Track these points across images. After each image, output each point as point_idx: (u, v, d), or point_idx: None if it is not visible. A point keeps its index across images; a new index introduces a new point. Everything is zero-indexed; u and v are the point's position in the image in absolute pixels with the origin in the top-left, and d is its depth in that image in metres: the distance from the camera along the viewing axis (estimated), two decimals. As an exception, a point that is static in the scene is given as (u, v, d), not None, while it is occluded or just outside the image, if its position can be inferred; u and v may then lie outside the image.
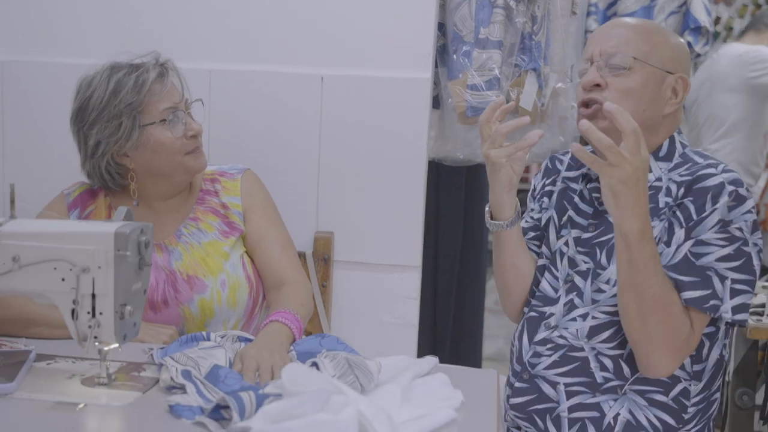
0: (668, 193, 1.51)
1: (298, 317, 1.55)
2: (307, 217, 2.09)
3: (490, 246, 3.02)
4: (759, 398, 2.20)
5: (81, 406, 1.23)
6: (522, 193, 4.43)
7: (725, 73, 3.46)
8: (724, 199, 1.42)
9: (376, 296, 2.13)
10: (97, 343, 1.29)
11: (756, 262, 1.44)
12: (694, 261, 1.43)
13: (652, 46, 1.53)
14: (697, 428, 1.53)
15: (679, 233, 1.45)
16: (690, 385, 1.50)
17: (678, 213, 1.46)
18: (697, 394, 1.51)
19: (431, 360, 1.42)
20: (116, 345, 1.31)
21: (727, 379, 2.11)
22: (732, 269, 1.42)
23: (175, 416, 1.20)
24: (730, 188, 1.43)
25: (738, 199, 1.43)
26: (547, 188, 1.72)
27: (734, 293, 1.42)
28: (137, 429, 1.19)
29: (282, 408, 1.11)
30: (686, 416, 1.50)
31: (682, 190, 1.48)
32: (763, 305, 2.05)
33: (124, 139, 1.62)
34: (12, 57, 2.20)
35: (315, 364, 1.32)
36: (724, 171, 1.47)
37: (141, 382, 1.34)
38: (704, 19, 3.43)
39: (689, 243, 1.43)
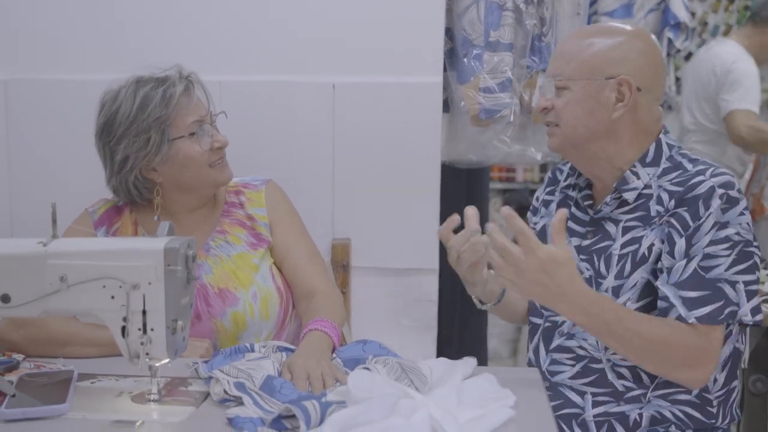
0: (659, 201, 1.51)
1: (335, 325, 1.56)
2: (323, 224, 2.09)
3: None
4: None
5: (139, 423, 1.22)
6: (510, 193, 4.47)
7: (705, 82, 3.49)
8: (717, 203, 1.44)
9: (395, 300, 2.14)
10: (148, 360, 1.29)
11: (757, 260, 1.47)
12: (703, 275, 1.43)
13: (586, 59, 1.53)
14: (726, 420, 1.55)
15: (680, 243, 1.46)
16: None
17: (675, 223, 1.47)
18: (718, 389, 1.53)
19: (471, 362, 1.43)
20: (167, 360, 1.31)
21: (743, 366, 2.15)
22: (740, 272, 1.44)
23: (236, 429, 1.20)
24: (720, 191, 1.44)
25: (730, 201, 1.45)
26: (546, 197, 1.74)
27: (749, 295, 1.44)
28: (201, 443, 1.19)
29: (349, 415, 1.12)
30: (712, 410, 1.52)
31: (673, 202, 1.48)
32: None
33: (153, 154, 1.61)
34: (15, 75, 2.18)
35: (367, 370, 1.33)
36: (713, 175, 1.47)
37: (191, 397, 1.34)
38: (683, 15, 3.50)
39: (697, 258, 1.44)
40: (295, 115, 2.09)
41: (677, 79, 3.76)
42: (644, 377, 1.51)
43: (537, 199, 1.78)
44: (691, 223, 1.45)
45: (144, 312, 1.27)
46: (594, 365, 1.54)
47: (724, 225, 1.44)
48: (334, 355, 1.49)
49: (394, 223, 2.11)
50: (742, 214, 1.45)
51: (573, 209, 1.64)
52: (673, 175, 1.52)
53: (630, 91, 1.51)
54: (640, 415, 1.51)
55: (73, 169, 2.12)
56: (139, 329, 1.28)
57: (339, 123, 2.09)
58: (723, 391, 1.54)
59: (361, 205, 2.11)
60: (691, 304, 1.43)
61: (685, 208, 1.46)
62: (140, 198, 1.69)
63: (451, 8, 2.09)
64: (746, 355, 2.13)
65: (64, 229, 1.68)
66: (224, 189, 1.77)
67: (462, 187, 2.69)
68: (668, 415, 1.51)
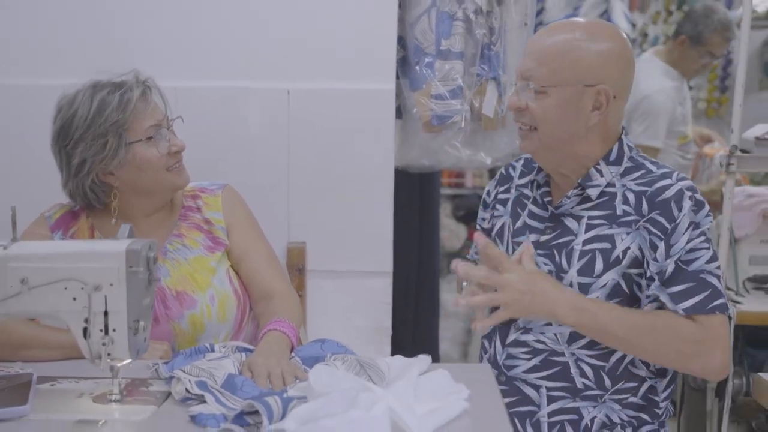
0: (625, 200, 1.56)
1: (293, 326, 1.60)
2: (279, 228, 2.13)
3: (443, 251, 3.04)
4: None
5: (102, 422, 1.24)
6: (459, 198, 4.54)
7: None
8: (688, 204, 1.51)
9: (350, 302, 2.19)
10: (110, 360, 1.31)
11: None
12: (686, 268, 1.48)
13: (567, 64, 1.53)
14: (666, 416, 1.62)
15: (661, 246, 1.51)
16: (656, 382, 1.58)
17: (653, 228, 1.52)
18: (664, 389, 1.60)
19: (426, 359, 1.48)
20: (128, 361, 1.33)
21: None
22: (718, 268, 1.52)
23: (199, 426, 1.23)
24: (689, 194, 1.52)
25: (698, 204, 1.52)
26: (501, 196, 1.76)
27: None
28: (165, 440, 1.21)
29: (311, 409, 1.16)
30: (659, 411, 1.59)
31: (645, 205, 1.54)
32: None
33: (110, 157, 1.62)
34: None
35: (327, 366, 1.37)
36: (678, 179, 1.55)
37: (153, 396, 1.36)
38: (625, 27, 3.63)
39: (678, 255, 1.50)
40: (251, 121, 2.13)
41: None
42: (606, 380, 1.56)
43: (488, 194, 1.80)
44: (668, 226, 1.50)
45: (106, 313, 1.29)
46: (555, 358, 1.57)
47: (697, 224, 1.51)
48: (292, 354, 1.53)
49: (348, 226, 2.16)
50: (708, 215, 1.53)
51: (531, 206, 1.68)
52: (636, 174, 1.58)
53: (607, 100, 1.54)
54: (592, 420, 1.56)
55: (28, 173, 2.11)
56: (101, 330, 1.30)
57: (294, 128, 2.13)
58: (669, 391, 1.61)
59: (316, 209, 2.15)
60: (678, 297, 1.48)
61: (659, 212, 1.51)
62: (97, 202, 1.70)
63: (403, 18, 2.15)
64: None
65: (20, 232, 1.67)
66: (181, 193, 1.79)
67: (414, 191, 2.75)
68: (616, 419, 1.57)
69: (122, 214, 1.72)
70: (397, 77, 2.18)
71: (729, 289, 2.25)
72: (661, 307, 1.50)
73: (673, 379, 1.62)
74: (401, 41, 2.18)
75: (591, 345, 1.55)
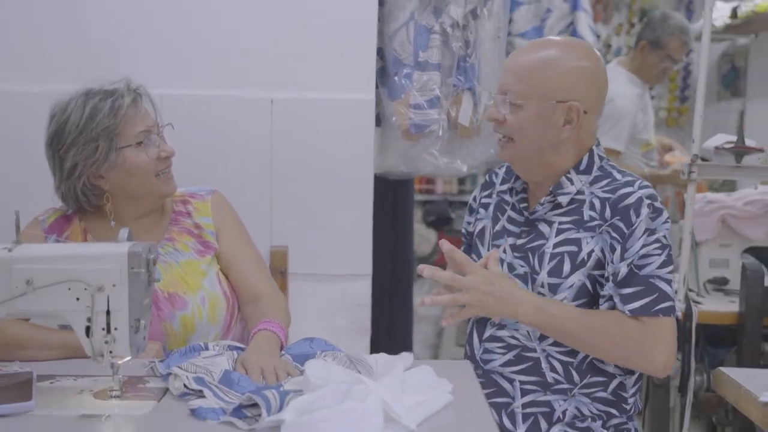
0: (592, 207, 1.67)
1: (282, 326, 1.67)
2: (262, 232, 2.19)
3: (416, 254, 3.11)
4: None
5: (106, 417, 1.30)
6: (430, 204, 4.65)
7: None
8: (645, 211, 1.61)
9: (330, 304, 2.26)
10: (111, 358, 1.37)
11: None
12: (637, 272, 1.58)
13: (541, 80, 1.64)
14: (632, 411, 1.72)
15: (618, 249, 1.61)
16: (625, 379, 1.68)
17: (612, 233, 1.62)
18: (633, 386, 1.70)
19: (408, 356, 1.56)
20: (128, 358, 1.39)
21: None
22: (669, 272, 1.62)
23: (199, 419, 1.29)
24: (648, 202, 1.62)
25: (656, 211, 1.62)
26: (484, 200, 1.87)
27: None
28: (168, 433, 1.28)
29: (307, 401, 1.23)
30: (627, 406, 1.69)
31: (608, 211, 1.64)
32: (674, 292, 2.31)
33: (101, 161, 1.68)
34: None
35: (322, 360, 1.44)
36: (640, 187, 1.65)
37: (151, 392, 1.42)
38: (590, 38, 3.75)
39: (632, 259, 1.59)
40: (235, 128, 2.19)
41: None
42: (574, 375, 1.65)
43: (474, 199, 1.91)
44: (626, 231, 1.60)
45: (108, 312, 1.35)
46: (527, 354, 1.67)
47: (653, 231, 1.60)
48: (282, 352, 1.60)
49: (329, 231, 2.23)
50: (665, 222, 1.62)
51: (510, 212, 1.78)
52: (604, 183, 1.68)
53: (578, 116, 1.65)
54: (564, 413, 1.65)
55: (34, 178, 2.16)
56: (103, 329, 1.36)
57: (277, 136, 2.20)
58: (637, 387, 1.71)
59: (298, 214, 2.23)
60: (627, 299, 1.58)
61: (619, 218, 1.62)
62: (88, 204, 1.75)
63: (382, 30, 2.24)
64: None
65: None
66: (171, 198, 1.85)
67: (388, 198, 2.83)
68: (586, 412, 1.66)
69: (115, 218, 1.78)
70: (377, 87, 2.27)
71: (690, 290, 2.36)
72: (615, 306, 1.60)
73: (641, 377, 1.72)
74: (380, 53, 2.26)
75: (560, 342, 1.65)
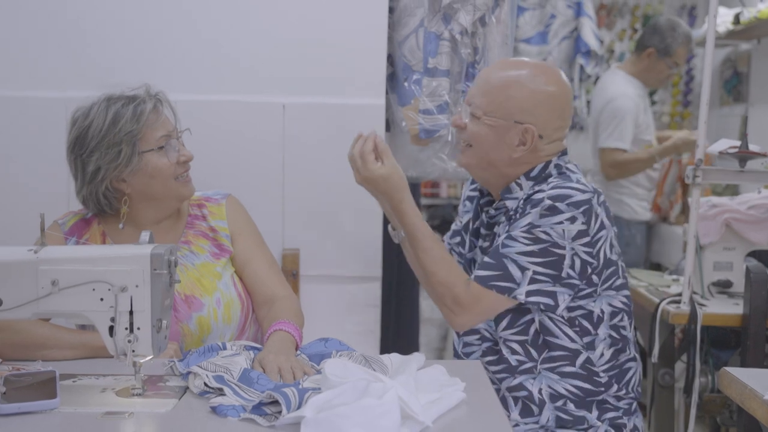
0: None
1: (297, 326, 1.70)
2: (274, 235, 2.23)
3: None
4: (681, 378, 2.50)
5: (129, 414, 1.33)
6: (434, 208, 4.70)
7: (596, 104, 3.81)
8: (537, 209, 1.68)
9: (340, 306, 2.30)
10: (134, 357, 1.40)
11: (567, 262, 1.69)
12: (499, 249, 1.70)
13: (502, 100, 1.73)
14: (621, 392, 1.78)
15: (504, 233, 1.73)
16: (590, 354, 1.75)
17: (511, 222, 1.74)
18: (605, 363, 1.76)
19: (420, 356, 1.60)
20: (150, 357, 1.42)
21: (653, 360, 2.39)
22: (535, 264, 1.68)
23: (220, 416, 1.33)
24: (548, 203, 1.68)
25: (551, 210, 1.67)
26: (470, 193, 1.97)
27: (532, 282, 1.68)
28: (191, 429, 1.31)
29: (326, 398, 1.27)
30: (601, 380, 1.76)
31: (525, 208, 1.72)
32: (679, 295, 2.35)
33: (123, 165, 1.72)
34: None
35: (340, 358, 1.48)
36: (553, 188, 1.70)
37: (172, 391, 1.46)
38: (593, 44, 3.80)
39: (502, 238, 1.71)
40: (248, 133, 2.24)
41: (588, 102, 4.07)
42: (532, 351, 1.75)
43: (462, 194, 2.02)
44: (518, 218, 1.70)
45: (131, 312, 1.39)
46: (495, 346, 1.78)
47: (536, 226, 1.67)
48: (298, 352, 1.63)
49: (340, 233, 2.27)
50: (560, 222, 1.67)
51: (482, 214, 1.88)
52: (544, 184, 1.74)
53: (532, 139, 1.73)
54: (540, 391, 1.74)
55: (35, 182, 2.21)
56: (126, 328, 1.39)
57: (288, 141, 2.24)
58: (609, 365, 1.77)
59: (309, 217, 2.27)
60: (481, 267, 1.71)
61: (522, 211, 1.71)
62: (109, 208, 1.79)
63: (392, 37, 2.28)
64: (656, 351, 2.38)
65: (34, 239, 1.76)
66: (187, 202, 1.89)
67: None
68: (562, 390, 1.74)
69: (132, 222, 1.82)
70: (387, 92, 2.31)
71: (695, 293, 2.39)
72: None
73: (613, 356, 1.77)
74: (390, 59, 2.30)
75: (511, 324, 1.75)
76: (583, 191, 1.69)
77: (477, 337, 1.82)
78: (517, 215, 1.72)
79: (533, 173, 1.77)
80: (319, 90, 2.24)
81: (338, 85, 2.24)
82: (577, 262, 1.69)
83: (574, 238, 1.67)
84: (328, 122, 2.24)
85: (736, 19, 3.89)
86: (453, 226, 2.03)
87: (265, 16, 2.23)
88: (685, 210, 3.85)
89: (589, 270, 1.70)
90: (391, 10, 2.26)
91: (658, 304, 2.38)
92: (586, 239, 1.68)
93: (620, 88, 3.71)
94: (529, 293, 1.68)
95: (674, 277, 2.79)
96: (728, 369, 1.72)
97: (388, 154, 1.75)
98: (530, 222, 1.67)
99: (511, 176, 1.78)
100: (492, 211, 1.81)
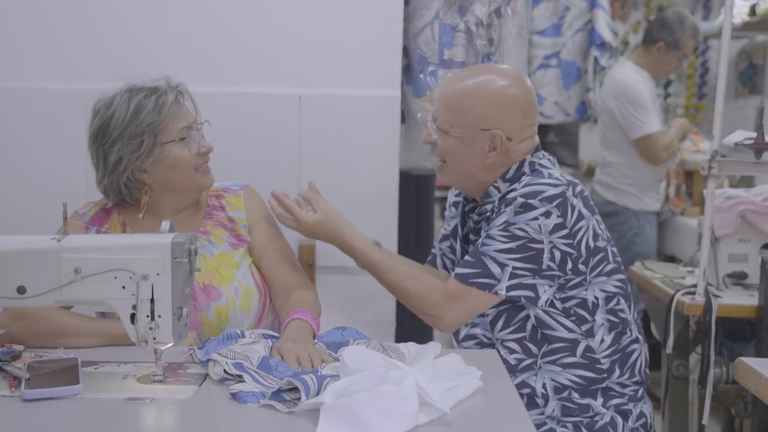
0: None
1: (314, 315, 1.72)
2: (290, 227, 2.24)
3: None
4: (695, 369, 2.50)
5: (151, 400, 1.35)
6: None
7: (606, 95, 3.82)
8: (512, 207, 1.70)
9: (356, 297, 2.31)
10: (155, 344, 1.42)
11: (547, 255, 1.71)
12: (478, 248, 1.73)
13: (463, 111, 1.76)
14: (624, 376, 1.79)
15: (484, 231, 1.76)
16: (589, 341, 1.76)
17: (489, 223, 1.77)
18: (606, 348, 1.77)
19: (436, 345, 1.61)
20: (171, 344, 1.44)
21: (667, 351, 2.40)
22: (514, 260, 1.70)
23: (240, 402, 1.35)
24: (521, 201, 1.70)
25: (525, 207, 1.69)
26: (455, 199, 2.00)
27: (512, 277, 1.71)
28: (212, 415, 1.33)
29: (345, 385, 1.28)
30: (603, 366, 1.77)
31: (501, 207, 1.74)
32: (694, 286, 2.36)
33: (145, 156, 1.74)
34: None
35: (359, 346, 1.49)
36: (524, 186, 1.72)
37: (192, 378, 1.48)
38: (608, 36, 3.80)
39: (481, 239, 1.74)
40: (264, 125, 2.25)
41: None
42: (531, 347, 1.76)
43: (448, 200, 2.06)
44: (494, 218, 1.73)
45: (152, 300, 1.41)
46: (493, 349, 1.79)
47: (511, 223, 1.70)
48: (315, 340, 1.65)
49: (355, 224, 2.27)
50: (535, 218, 1.69)
51: (469, 221, 1.90)
52: (515, 185, 1.77)
53: (501, 143, 1.76)
54: (544, 386, 1.75)
55: (54, 173, 2.23)
56: (147, 316, 1.41)
57: (305, 132, 2.26)
58: (611, 349, 1.78)
59: (326, 208, 2.27)
60: (461, 265, 1.74)
61: (497, 210, 1.74)
62: (130, 198, 1.81)
63: (407, 29, 2.29)
64: (670, 342, 2.39)
65: (55, 228, 1.79)
66: (206, 193, 1.92)
67: (412, 193, 2.88)
68: (565, 381, 1.75)
69: (152, 211, 1.84)
70: (402, 84, 2.32)
71: (710, 284, 2.39)
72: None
73: (614, 341, 1.78)
74: (405, 51, 2.31)
75: (507, 324, 1.77)
76: (555, 185, 1.70)
77: (475, 342, 1.84)
78: (494, 215, 1.75)
79: (509, 175, 1.80)
80: (334, 82, 2.25)
81: (354, 76, 2.25)
82: (557, 254, 1.71)
83: (551, 232, 1.69)
84: (344, 114, 2.26)
85: (752, 11, 3.87)
86: (442, 231, 2.07)
87: (281, 8, 2.25)
88: (698, 202, 3.85)
89: (570, 261, 1.71)
90: (406, 2, 2.27)
91: (673, 296, 2.38)
92: (564, 231, 1.70)
93: (630, 76, 3.76)
94: (509, 288, 1.71)
95: (689, 268, 2.79)
96: (744, 359, 1.72)
97: (316, 200, 1.85)
98: (506, 220, 1.70)
99: (489, 182, 1.81)
100: (476, 217, 1.84)
